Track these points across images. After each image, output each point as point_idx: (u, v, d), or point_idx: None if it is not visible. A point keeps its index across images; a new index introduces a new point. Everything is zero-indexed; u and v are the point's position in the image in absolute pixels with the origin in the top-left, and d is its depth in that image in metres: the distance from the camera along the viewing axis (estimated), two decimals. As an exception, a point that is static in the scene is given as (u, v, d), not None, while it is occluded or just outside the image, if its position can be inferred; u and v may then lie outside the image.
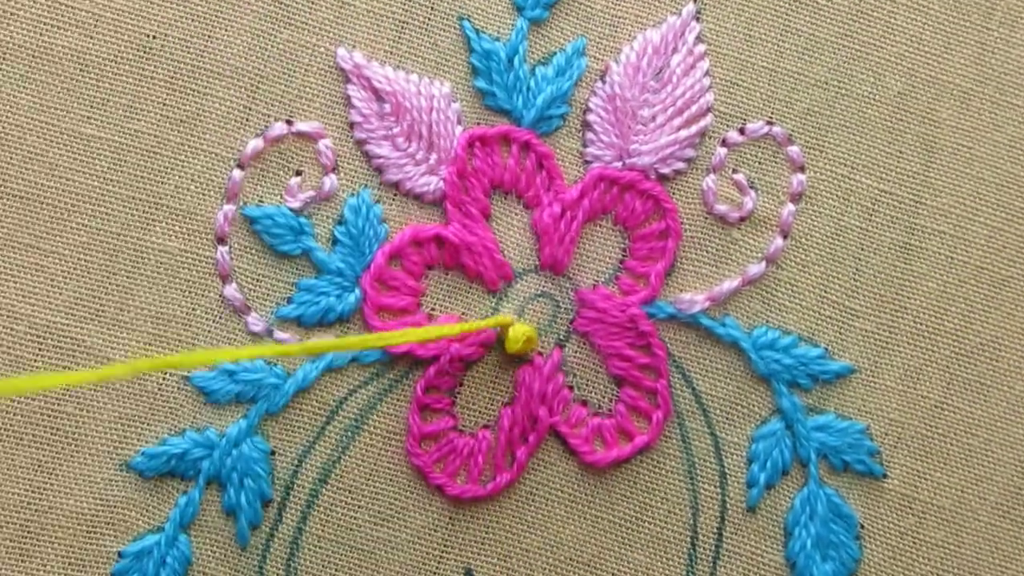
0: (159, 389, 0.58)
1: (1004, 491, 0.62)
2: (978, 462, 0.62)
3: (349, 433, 0.59)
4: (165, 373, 0.58)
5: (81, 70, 0.58)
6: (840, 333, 0.61)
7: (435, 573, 0.59)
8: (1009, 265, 0.62)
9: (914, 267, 0.62)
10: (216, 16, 0.59)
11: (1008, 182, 0.62)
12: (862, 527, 0.61)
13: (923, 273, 0.62)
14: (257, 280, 0.59)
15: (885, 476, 0.61)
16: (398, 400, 0.59)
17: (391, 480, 0.59)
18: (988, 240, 0.62)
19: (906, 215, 0.62)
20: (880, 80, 0.62)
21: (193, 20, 0.58)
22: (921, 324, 0.62)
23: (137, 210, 0.58)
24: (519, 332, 0.59)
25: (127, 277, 0.58)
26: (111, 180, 0.58)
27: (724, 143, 0.61)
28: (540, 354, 0.60)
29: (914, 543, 0.61)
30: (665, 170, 0.61)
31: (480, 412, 0.60)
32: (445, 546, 0.59)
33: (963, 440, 0.62)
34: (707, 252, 0.61)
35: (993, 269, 0.62)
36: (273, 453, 0.59)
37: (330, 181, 0.59)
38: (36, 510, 0.57)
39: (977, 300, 0.62)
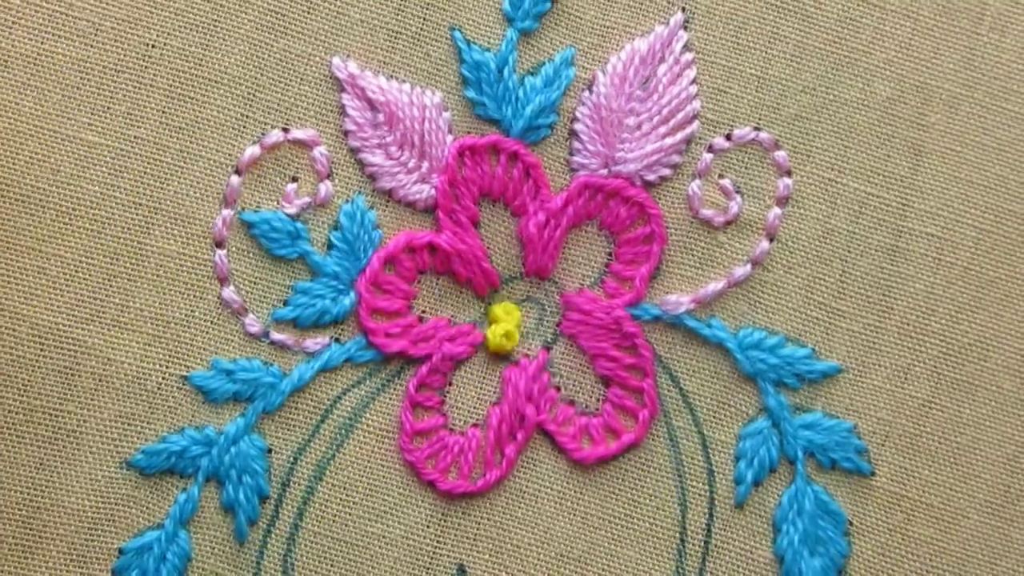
0: (159, 388, 0.59)
1: (991, 488, 0.62)
2: (966, 460, 0.62)
3: (344, 431, 0.60)
4: (165, 374, 0.59)
5: (82, 78, 0.58)
6: (827, 334, 0.62)
7: (429, 568, 0.60)
8: (996, 266, 0.63)
9: (901, 269, 0.62)
10: (214, 26, 0.59)
11: (995, 185, 0.63)
12: (851, 524, 0.62)
13: (910, 275, 0.62)
14: (254, 283, 0.59)
15: (873, 474, 0.62)
16: (391, 398, 0.60)
17: (385, 476, 0.60)
18: (975, 242, 0.62)
19: (893, 218, 0.62)
20: (869, 85, 0.62)
21: (192, 30, 0.59)
22: (908, 324, 0.62)
23: (137, 214, 0.59)
24: (497, 330, 0.60)
25: (127, 279, 0.58)
26: (112, 185, 0.58)
27: (710, 149, 0.61)
28: (527, 355, 0.61)
29: (903, 540, 0.62)
30: (650, 176, 0.61)
31: (469, 410, 0.61)
32: (438, 542, 0.60)
33: (951, 438, 0.62)
34: (692, 255, 0.62)
35: (980, 270, 0.62)
36: (270, 451, 0.59)
37: (325, 188, 0.60)
38: (38, 508, 0.58)
39: (964, 301, 0.62)
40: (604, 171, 0.61)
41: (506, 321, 0.60)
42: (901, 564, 0.62)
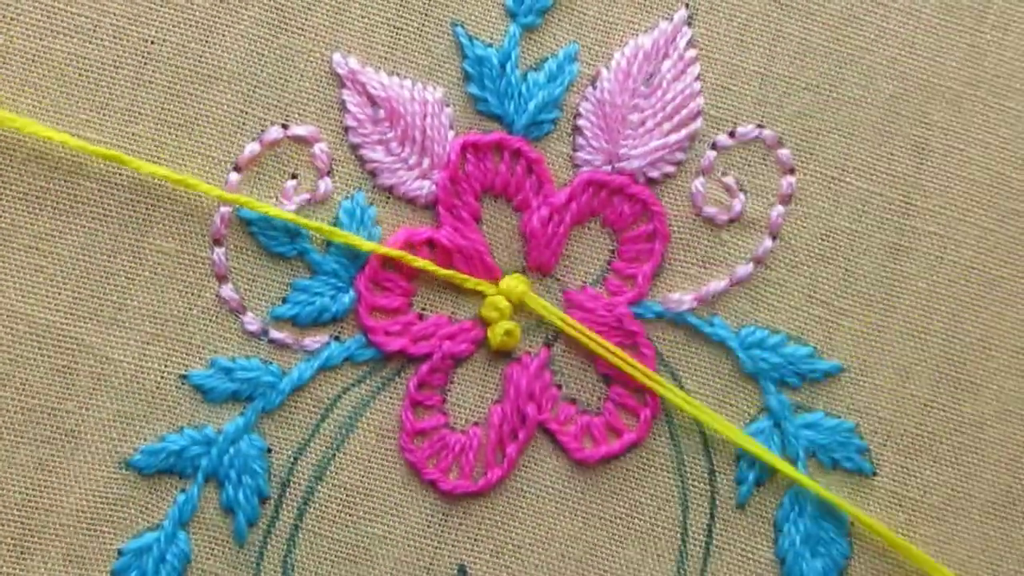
0: (157, 387, 0.59)
1: (993, 489, 0.63)
2: (967, 460, 0.62)
3: (344, 430, 0.59)
4: (164, 373, 0.59)
5: (80, 74, 0.58)
6: (829, 332, 0.62)
7: (429, 569, 0.60)
8: (999, 265, 0.63)
9: (904, 267, 0.62)
10: (213, 21, 0.59)
11: (999, 183, 0.63)
12: (852, 524, 0.62)
13: (913, 273, 0.62)
14: (253, 280, 0.59)
15: (875, 474, 0.62)
16: (391, 397, 0.60)
17: (385, 476, 0.60)
18: (978, 241, 0.62)
19: (896, 216, 0.62)
20: (872, 83, 0.62)
21: (191, 25, 0.59)
22: (911, 323, 0.62)
23: (135, 212, 0.58)
24: (498, 328, 0.60)
25: (125, 277, 0.58)
26: (109, 183, 0.58)
27: (714, 146, 0.61)
28: (528, 353, 0.61)
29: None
30: (654, 174, 0.61)
31: (470, 409, 0.61)
32: (439, 542, 0.60)
33: (952, 438, 0.62)
34: (695, 253, 0.61)
35: (983, 269, 0.63)
36: (270, 451, 0.59)
37: (325, 184, 0.59)
38: (36, 508, 0.58)
39: (967, 300, 0.62)
40: (608, 168, 0.61)
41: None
42: (903, 565, 0.62)
